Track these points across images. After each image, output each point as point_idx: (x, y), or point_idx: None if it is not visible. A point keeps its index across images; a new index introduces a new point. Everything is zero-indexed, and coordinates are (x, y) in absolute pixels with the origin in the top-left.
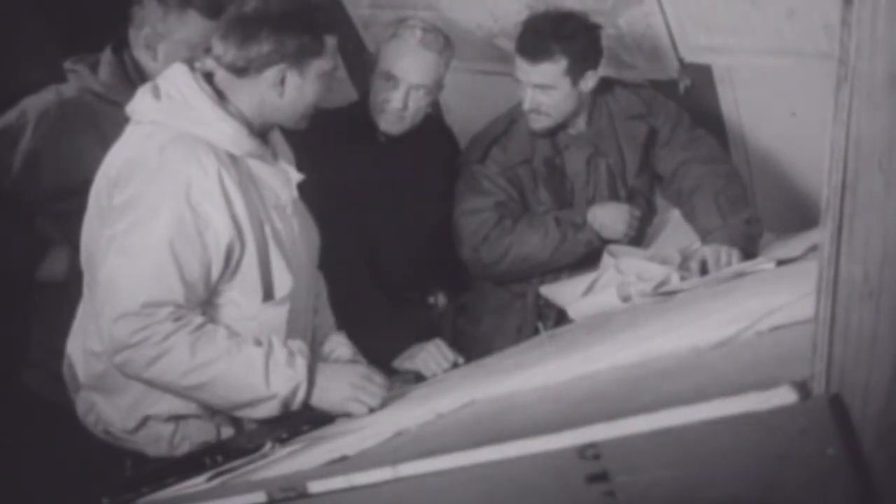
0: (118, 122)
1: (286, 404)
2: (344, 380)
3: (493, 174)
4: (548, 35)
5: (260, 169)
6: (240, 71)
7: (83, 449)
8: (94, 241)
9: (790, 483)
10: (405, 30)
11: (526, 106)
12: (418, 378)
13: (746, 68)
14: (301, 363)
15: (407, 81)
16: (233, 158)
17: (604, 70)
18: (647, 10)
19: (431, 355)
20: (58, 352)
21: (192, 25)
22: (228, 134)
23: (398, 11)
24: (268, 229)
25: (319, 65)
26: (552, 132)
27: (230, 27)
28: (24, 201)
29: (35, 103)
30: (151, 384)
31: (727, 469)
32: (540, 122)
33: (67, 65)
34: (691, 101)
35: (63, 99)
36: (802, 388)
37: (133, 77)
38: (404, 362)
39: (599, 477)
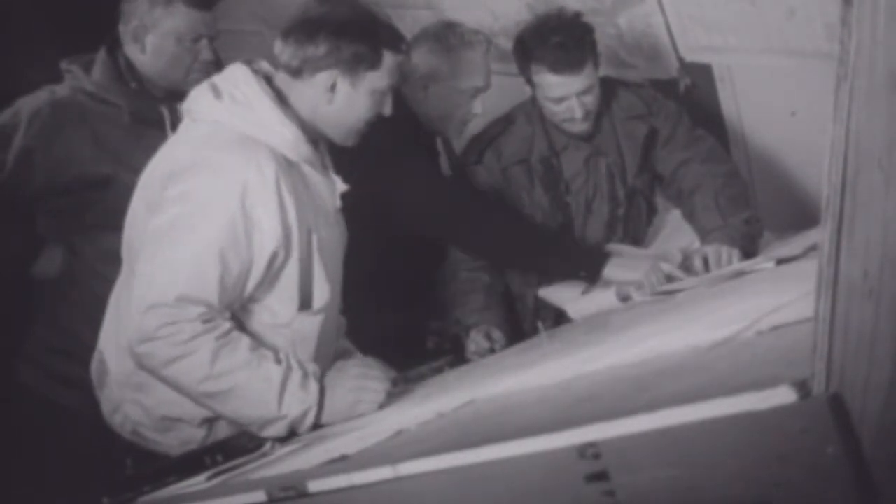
0: (110, 121)
1: (294, 427)
2: (343, 386)
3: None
4: (573, 42)
5: (313, 176)
6: (294, 72)
7: (82, 448)
8: (138, 235)
9: (790, 483)
10: (464, 40)
11: (578, 114)
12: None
13: (746, 68)
14: (314, 387)
15: (486, 85)
16: (289, 163)
17: (604, 70)
18: (647, 9)
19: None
20: (57, 350)
21: (179, 16)
22: (288, 139)
23: (398, 11)
24: (314, 238)
25: (373, 79)
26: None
27: (292, 28)
28: (18, 199)
29: (28, 103)
30: (165, 383)
31: (727, 469)
32: (590, 122)
33: (63, 65)
34: (691, 101)
35: (55, 98)
36: (802, 387)
37: (126, 76)
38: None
39: (599, 476)
